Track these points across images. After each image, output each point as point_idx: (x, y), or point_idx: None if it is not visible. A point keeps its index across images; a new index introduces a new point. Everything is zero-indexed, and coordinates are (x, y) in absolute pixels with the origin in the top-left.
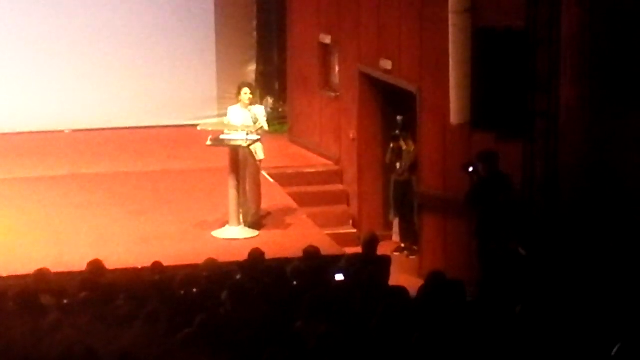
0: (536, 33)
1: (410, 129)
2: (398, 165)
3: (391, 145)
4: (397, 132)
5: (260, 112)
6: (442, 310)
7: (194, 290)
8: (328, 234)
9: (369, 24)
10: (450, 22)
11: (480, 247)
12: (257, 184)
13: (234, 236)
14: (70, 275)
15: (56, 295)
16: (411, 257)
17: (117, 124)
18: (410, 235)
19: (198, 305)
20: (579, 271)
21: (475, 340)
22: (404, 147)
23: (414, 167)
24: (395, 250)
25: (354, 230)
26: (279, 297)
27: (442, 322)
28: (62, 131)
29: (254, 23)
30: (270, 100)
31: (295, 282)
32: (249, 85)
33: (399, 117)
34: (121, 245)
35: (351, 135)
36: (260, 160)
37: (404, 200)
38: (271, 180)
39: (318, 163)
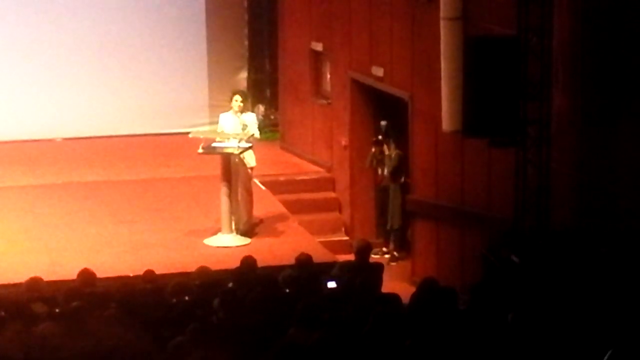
0: (528, 41)
1: (393, 134)
2: (379, 171)
3: (372, 150)
4: (380, 137)
5: (251, 120)
6: (435, 317)
7: (186, 298)
8: (320, 242)
9: (360, 31)
10: (441, 30)
11: None
12: (248, 192)
13: (226, 244)
14: (62, 283)
15: (48, 303)
16: (392, 263)
17: (109, 132)
18: (396, 241)
19: (190, 314)
20: (571, 279)
21: (468, 347)
22: (386, 152)
23: (394, 173)
24: (375, 254)
25: (346, 238)
26: (272, 304)
27: (435, 329)
28: (53, 139)
29: (246, 31)
30: (261, 108)
31: (287, 290)
32: (241, 93)
33: (382, 122)
34: (113, 253)
35: (343, 143)
36: (252, 168)
37: (386, 207)
38: (263, 187)
39: (310, 170)
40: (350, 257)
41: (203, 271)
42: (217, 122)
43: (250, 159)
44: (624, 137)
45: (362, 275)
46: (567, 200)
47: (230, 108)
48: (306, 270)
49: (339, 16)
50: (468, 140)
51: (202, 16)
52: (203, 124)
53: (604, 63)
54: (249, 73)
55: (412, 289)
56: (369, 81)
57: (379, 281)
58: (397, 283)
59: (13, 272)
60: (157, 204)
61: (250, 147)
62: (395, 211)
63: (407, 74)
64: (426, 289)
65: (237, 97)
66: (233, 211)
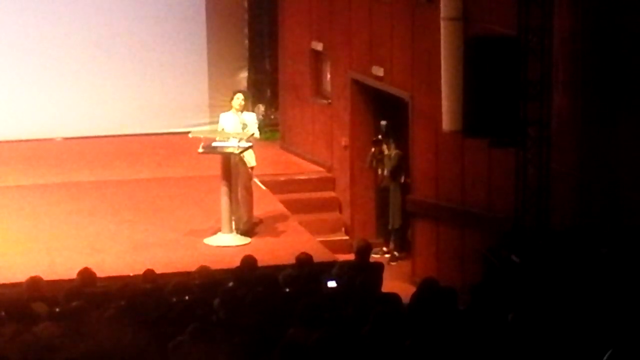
0: (528, 41)
1: (393, 134)
2: (379, 171)
3: (372, 149)
4: (380, 136)
5: (251, 120)
6: (435, 317)
7: (186, 297)
8: (320, 241)
9: (360, 31)
10: (442, 30)
11: None
12: (249, 192)
13: (226, 243)
14: (62, 283)
15: (49, 303)
16: (392, 263)
17: (109, 131)
18: (396, 241)
19: (190, 313)
20: (571, 279)
21: (468, 347)
22: (386, 152)
23: (394, 173)
24: (376, 253)
25: (346, 238)
26: (272, 304)
27: (435, 329)
28: (53, 139)
29: (246, 31)
30: (262, 108)
31: (287, 289)
32: (243, 92)
33: (382, 122)
34: (113, 253)
35: (343, 143)
36: (252, 168)
37: (386, 207)
38: (263, 187)
39: (310, 170)
40: (351, 256)
41: (203, 271)
42: (217, 122)
43: (250, 158)
44: (624, 137)
45: (362, 275)
46: (567, 200)
47: (231, 107)
48: (306, 270)
49: (339, 16)
50: (468, 140)
51: (202, 16)
52: (203, 124)
53: (604, 63)
54: (249, 73)
55: (413, 289)
56: (369, 81)
57: (379, 281)
58: (397, 283)
59: (13, 272)
60: (157, 203)
61: (250, 147)
62: (395, 211)
63: (407, 74)
64: (426, 289)
65: (239, 96)
66: (233, 211)
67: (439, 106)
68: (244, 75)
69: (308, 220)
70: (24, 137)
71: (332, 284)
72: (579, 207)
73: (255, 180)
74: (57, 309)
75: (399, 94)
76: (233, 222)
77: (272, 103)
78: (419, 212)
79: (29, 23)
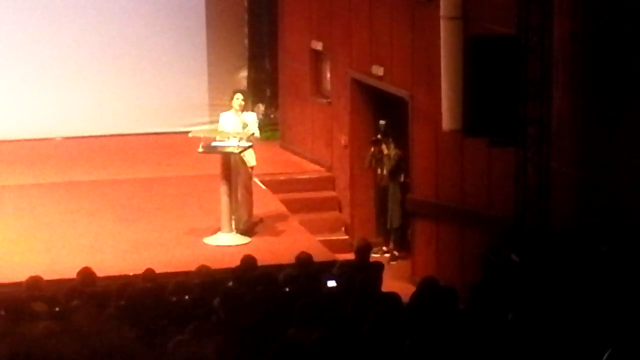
0: (528, 40)
1: (392, 133)
2: (379, 170)
3: (372, 149)
4: (379, 136)
5: (252, 119)
6: (435, 317)
7: (186, 297)
8: (320, 241)
9: (360, 31)
10: (442, 29)
11: None
12: (248, 191)
13: (226, 243)
14: (62, 282)
15: (49, 302)
16: (392, 262)
17: (108, 131)
18: (396, 240)
19: (190, 313)
20: (571, 278)
21: (468, 347)
22: (385, 152)
23: (394, 172)
24: (375, 253)
25: (346, 237)
26: (272, 304)
27: (435, 328)
28: (53, 139)
29: (246, 30)
30: (261, 107)
31: (287, 289)
32: (242, 92)
33: (381, 122)
34: (113, 252)
35: (343, 142)
36: (252, 167)
37: (385, 206)
38: (263, 186)
39: (310, 169)
40: (350, 256)
41: (203, 270)
42: (217, 122)
43: (250, 158)
44: (624, 137)
45: (362, 274)
46: (567, 200)
47: (231, 107)
48: (306, 270)
49: (339, 15)
50: (468, 140)
51: (202, 16)
52: (203, 123)
53: (604, 63)
54: (249, 72)
55: (412, 288)
56: (369, 80)
57: (379, 280)
58: (397, 282)
59: (13, 271)
60: (157, 203)
61: (250, 146)
62: (394, 210)
63: (407, 73)
64: (426, 288)
65: (239, 96)
66: (233, 210)
67: (439, 105)
68: (243, 74)
69: (308, 219)
70: (24, 137)
71: (331, 283)
72: (579, 207)
73: (255, 179)
74: (57, 309)
75: (398, 93)
76: (233, 222)
77: (272, 102)
78: (419, 212)
79: (29, 23)
